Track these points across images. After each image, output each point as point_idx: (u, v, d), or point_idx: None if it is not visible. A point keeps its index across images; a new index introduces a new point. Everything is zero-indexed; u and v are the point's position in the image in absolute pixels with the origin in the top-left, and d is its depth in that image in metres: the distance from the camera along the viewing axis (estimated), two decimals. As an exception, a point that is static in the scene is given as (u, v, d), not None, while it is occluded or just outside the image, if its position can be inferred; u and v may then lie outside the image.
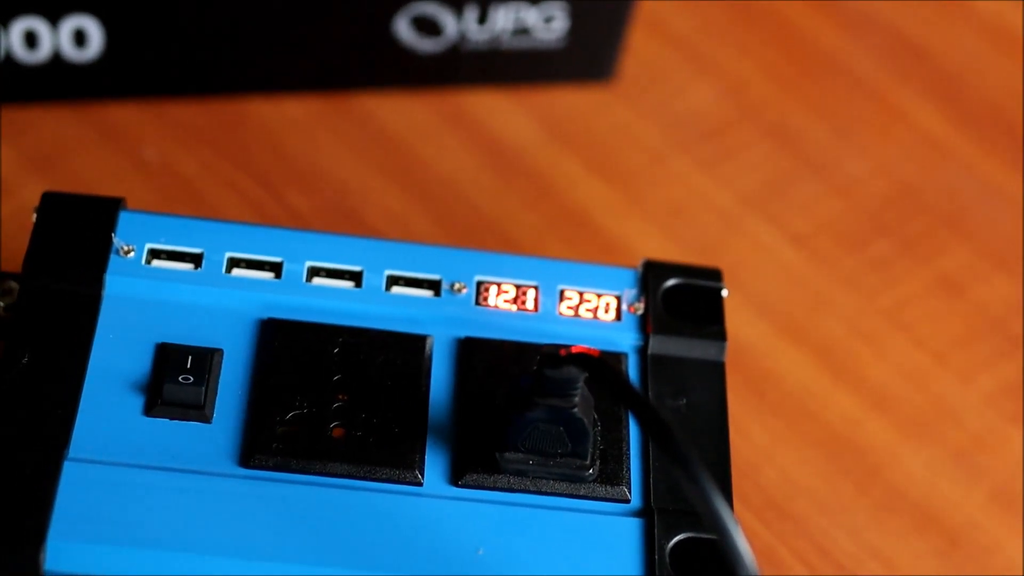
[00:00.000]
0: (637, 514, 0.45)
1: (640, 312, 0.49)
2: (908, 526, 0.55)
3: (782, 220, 0.62)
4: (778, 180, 0.63)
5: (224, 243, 0.49)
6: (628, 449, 0.46)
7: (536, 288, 0.49)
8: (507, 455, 0.45)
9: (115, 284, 0.47)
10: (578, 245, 0.60)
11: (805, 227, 0.62)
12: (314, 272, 0.49)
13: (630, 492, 0.46)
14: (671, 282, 0.50)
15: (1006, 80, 0.67)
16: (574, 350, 0.43)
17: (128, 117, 0.61)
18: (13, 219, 0.58)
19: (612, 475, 0.46)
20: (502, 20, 0.61)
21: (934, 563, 0.54)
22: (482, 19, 0.61)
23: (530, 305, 0.49)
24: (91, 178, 0.59)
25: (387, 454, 0.45)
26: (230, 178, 0.60)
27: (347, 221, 0.59)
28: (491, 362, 0.48)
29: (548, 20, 0.61)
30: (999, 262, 0.62)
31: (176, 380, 0.46)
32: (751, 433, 0.56)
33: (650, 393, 0.48)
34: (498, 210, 0.61)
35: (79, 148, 0.60)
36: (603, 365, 0.42)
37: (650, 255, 0.55)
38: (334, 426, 0.46)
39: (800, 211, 0.62)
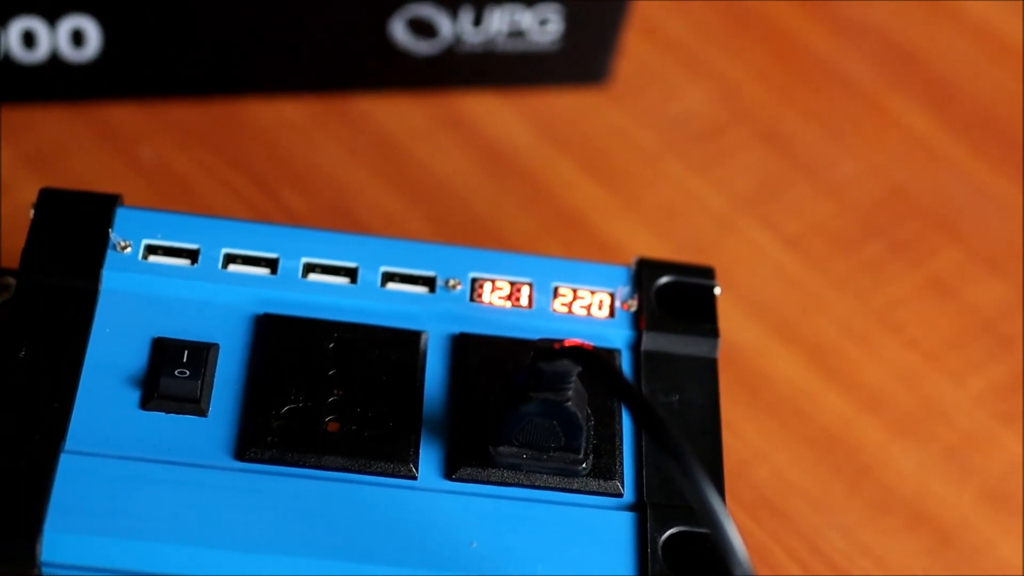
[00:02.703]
0: (630, 508, 0.46)
1: (633, 309, 0.49)
2: (900, 525, 0.55)
3: (775, 222, 0.62)
4: (771, 182, 0.63)
5: (220, 239, 0.49)
6: (621, 444, 0.47)
7: (530, 285, 0.49)
8: (501, 449, 0.45)
9: (112, 279, 0.48)
10: (572, 246, 0.60)
11: (797, 229, 0.62)
12: (310, 268, 0.49)
13: (623, 486, 0.46)
14: (664, 280, 0.50)
15: (996, 85, 0.67)
16: (567, 343, 0.43)
17: (125, 117, 0.61)
18: (11, 218, 0.58)
19: (605, 469, 0.46)
20: (497, 22, 0.61)
21: (925, 562, 0.55)
22: (477, 21, 0.61)
23: (524, 302, 0.49)
24: (88, 177, 0.60)
25: (382, 448, 0.46)
26: (226, 178, 0.61)
27: (343, 222, 0.60)
28: (485, 358, 0.48)
29: (543, 23, 0.62)
30: (990, 264, 0.62)
31: (172, 374, 0.46)
32: (744, 432, 0.57)
33: (643, 389, 0.48)
34: (493, 211, 0.61)
35: (76, 148, 0.61)
36: (596, 358, 0.43)
37: (641, 255, 0.55)
38: (329, 420, 0.46)
39: (792, 213, 0.63)
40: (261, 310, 0.48)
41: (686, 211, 0.62)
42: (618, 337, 0.49)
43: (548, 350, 0.43)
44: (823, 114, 0.66)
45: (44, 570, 0.43)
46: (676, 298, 0.50)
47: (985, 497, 0.56)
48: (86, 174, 0.60)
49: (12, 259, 0.51)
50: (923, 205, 0.64)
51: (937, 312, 0.61)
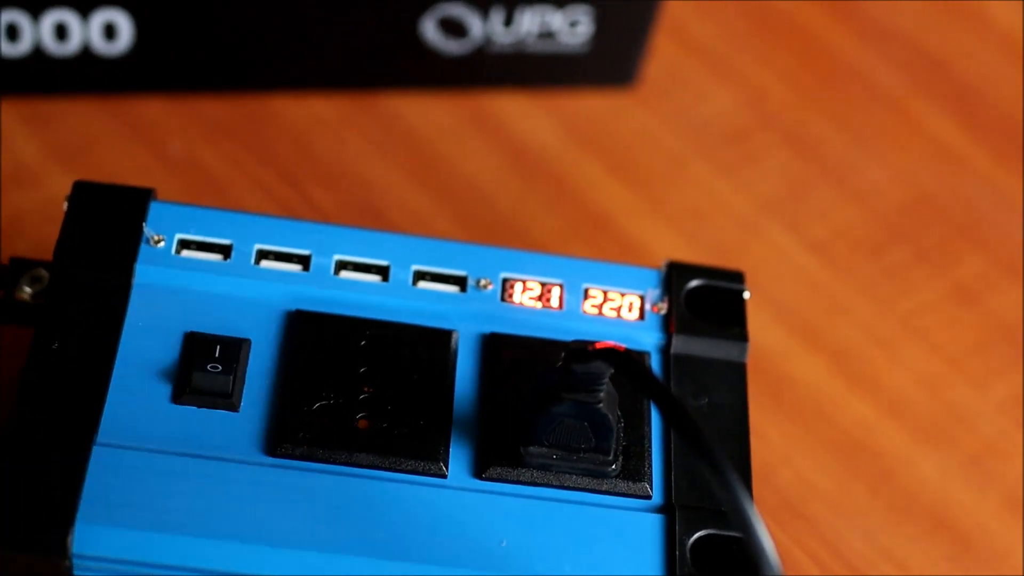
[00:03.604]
0: (658, 510, 0.46)
1: (663, 312, 0.50)
2: (921, 530, 0.55)
3: (800, 226, 0.62)
4: (796, 187, 0.64)
5: (253, 235, 0.49)
6: (650, 445, 0.47)
7: (561, 286, 0.50)
8: (531, 449, 0.46)
9: (145, 273, 0.48)
10: (598, 247, 0.60)
11: (823, 233, 0.62)
12: (342, 265, 0.49)
13: (652, 488, 0.46)
14: (694, 283, 0.50)
15: (1021, 92, 0.68)
16: (600, 346, 0.43)
17: (155, 111, 0.62)
18: (40, 209, 0.58)
19: (634, 471, 0.46)
20: (527, 23, 0.62)
21: (946, 567, 0.55)
22: (508, 22, 0.61)
23: (555, 303, 0.49)
24: (117, 171, 0.60)
25: (412, 446, 0.46)
26: (255, 174, 0.61)
27: (371, 219, 0.60)
28: (516, 358, 0.48)
29: (573, 24, 0.62)
30: (1014, 271, 0.62)
31: (205, 368, 0.46)
32: (767, 435, 0.57)
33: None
34: (520, 211, 0.61)
35: (106, 141, 0.61)
36: (630, 360, 0.43)
37: (670, 258, 0.55)
38: (360, 417, 0.46)
39: (818, 218, 0.63)
40: (293, 306, 0.48)
41: (712, 214, 0.62)
42: (648, 340, 0.49)
43: (581, 351, 0.44)
44: (849, 119, 0.66)
45: (75, 562, 0.43)
46: (705, 301, 0.50)
47: (1006, 504, 0.56)
48: (115, 167, 0.60)
49: (42, 250, 0.51)
50: (948, 212, 0.64)
51: (961, 319, 0.61)
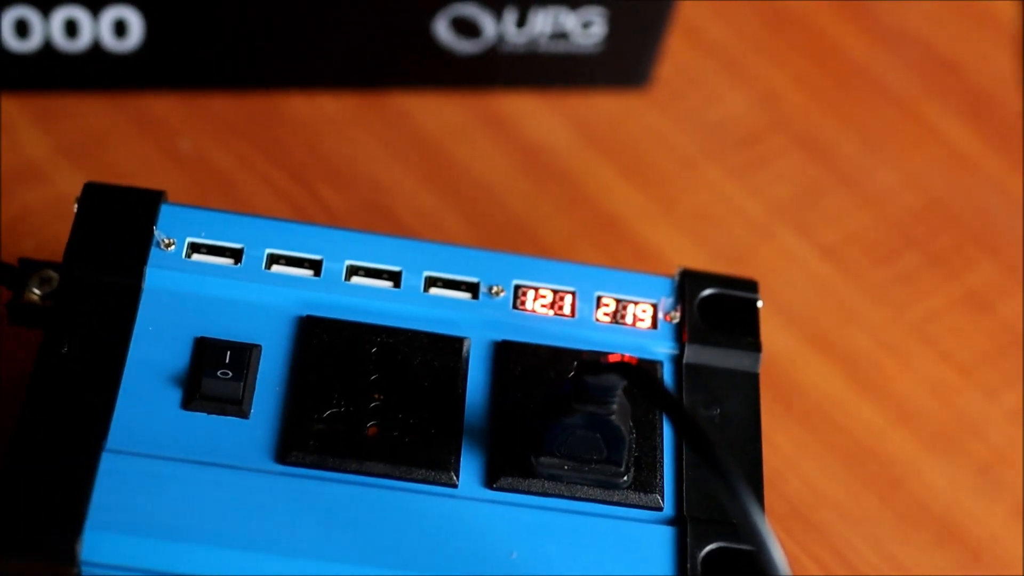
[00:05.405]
0: (670, 522, 0.46)
1: (676, 321, 0.49)
2: (930, 539, 0.55)
3: (811, 231, 0.62)
4: (808, 191, 0.63)
5: (264, 239, 0.49)
6: (662, 457, 0.47)
7: (573, 294, 0.49)
8: (543, 459, 0.45)
9: (155, 277, 0.48)
10: (609, 250, 0.60)
11: (834, 238, 0.62)
12: (353, 271, 0.49)
13: (663, 500, 0.46)
14: (707, 292, 0.50)
15: (1035, 97, 0.67)
16: (613, 359, 0.43)
17: (165, 108, 0.61)
18: (48, 207, 0.58)
19: (646, 483, 0.46)
20: (541, 24, 0.61)
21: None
22: (521, 22, 0.61)
23: (567, 311, 0.49)
24: (126, 168, 0.60)
25: (423, 455, 0.46)
26: (264, 172, 0.61)
27: (380, 219, 0.60)
28: (527, 366, 0.48)
29: (586, 25, 0.62)
30: (1026, 279, 0.62)
31: (215, 374, 0.46)
32: (776, 442, 0.57)
33: (684, 402, 0.48)
34: (530, 212, 0.61)
35: (115, 137, 0.61)
36: (644, 374, 0.43)
37: (680, 262, 0.55)
38: (370, 425, 0.46)
39: (829, 222, 0.62)
40: (304, 312, 0.48)
41: (723, 217, 0.62)
42: (660, 349, 0.49)
43: (594, 364, 0.43)
44: (862, 123, 0.65)
45: (83, 568, 0.43)
46: (718, 310, 0.50)
47: (1016, 513, 0.56)
48: (124, 164, 0.60)
49: (51, 248, 0.51)
50: (960, 217, 0.63)
51: (972, 326, 0.61)
